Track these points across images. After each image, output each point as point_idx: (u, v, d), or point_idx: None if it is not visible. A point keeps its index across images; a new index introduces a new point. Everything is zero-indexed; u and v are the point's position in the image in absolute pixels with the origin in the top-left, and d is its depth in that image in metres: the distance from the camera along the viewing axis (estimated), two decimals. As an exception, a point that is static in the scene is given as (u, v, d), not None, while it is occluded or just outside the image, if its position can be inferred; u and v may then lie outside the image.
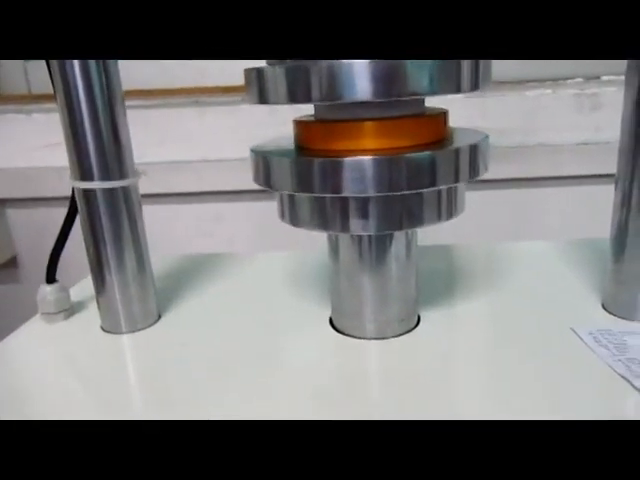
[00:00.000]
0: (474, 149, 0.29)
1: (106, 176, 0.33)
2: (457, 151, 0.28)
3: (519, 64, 0.70)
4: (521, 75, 0.70)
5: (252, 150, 0.31)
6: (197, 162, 0.69)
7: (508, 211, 0.71)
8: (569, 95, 0.68)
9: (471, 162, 0.29)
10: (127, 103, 0.34)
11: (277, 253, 0.49)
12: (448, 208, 0.31)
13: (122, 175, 0.34)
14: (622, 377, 0.28)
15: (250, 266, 0.47)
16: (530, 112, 0.69)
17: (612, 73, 0.68)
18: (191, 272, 0.46)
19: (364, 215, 0.29)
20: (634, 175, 0.32)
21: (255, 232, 0.73)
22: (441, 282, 0.41)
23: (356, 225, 0.30)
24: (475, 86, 0.28)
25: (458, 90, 0.27)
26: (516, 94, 0.68)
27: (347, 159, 0.27)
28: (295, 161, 0.28)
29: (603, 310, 0.35)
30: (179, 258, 0.49)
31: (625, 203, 0.32)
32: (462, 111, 0.70)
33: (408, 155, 0.27)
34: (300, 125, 0.31)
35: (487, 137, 0.30)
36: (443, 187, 0.29)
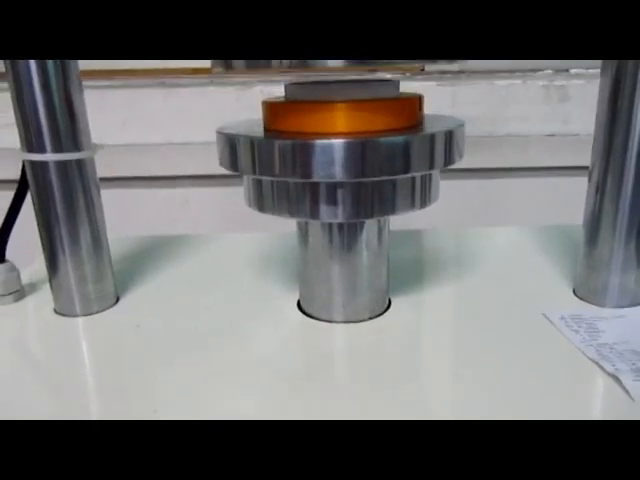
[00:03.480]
0: (450, 135, 0.28)
1: (59, 148, 0.31)
2: (432, 137, 0.27)
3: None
4: (492, 65, 0.70)
5: (218, 131, 0.29)
6: (162, 145, 0.67)
7: (475, 200, 0.71)
8: (538, 86, 0.69)
9: (446, 149, 0.28)
10: (89, 83, 0.32)
11: (244, 234, 0.47)
12: (422, 196, 0.30)
13: (77, 147, 0.32)
14: (593, 361, 0.27)
15: (214, 248, 0.45)
16: (499, 102, 0.69)
17: (581, 66, 0.69)
18: (153, 253, 0.44)
19: (334, 202, 0.28)
20: (608, 162, 0.32)
21: (222, 218, 0.71)
22: (412, 267, 0.40)
23: (326, 212, 0.28)
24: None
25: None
26: (486, 83, 0.68)
27: (317, 141, 0.26)
28: (262, 142, 0.27)
29: (574, 296, 0.35)
30: (141, 239, 0.47)
31: (600, 188, 0.32)
32: (432, 99, 0.70)
33: (382, 139, 0.26)
34: (268, 106, 0.30)
35: (463, 124, 0.30)
36: (417, 174, 0.28)
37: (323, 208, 0.28)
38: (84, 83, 0.32)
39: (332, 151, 0.26)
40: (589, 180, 0.33)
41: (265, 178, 0.28)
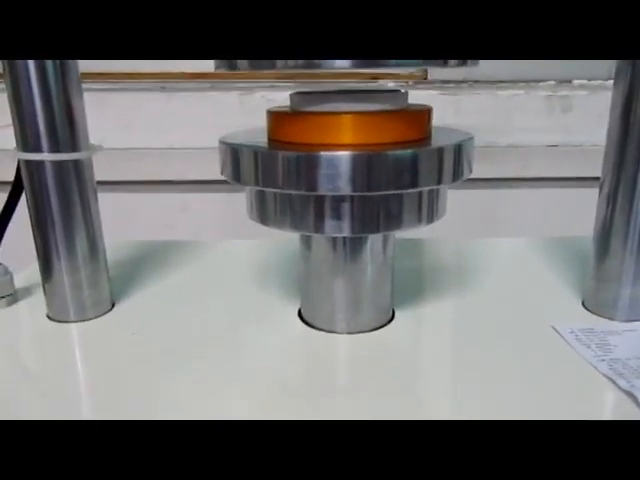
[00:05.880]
0: (458, 149, 0.27)
1: (56, 147, 0.30)
2: (441, 151, 0.26)
3: (493, 64, 0.70)
4: (495, 75, 0.70)
5: (221, 141, 0.28)
6: (162, 149, 0.66)
7: (477, 211, 0.71)
8: (541, 97, 0.68)
9: (455, 163, 0.27)
10: (90, 86, 0.31)
11: (244, 241, 0.46)
12: (429, 211, 0.29)
13: (74, 147, 0.31)
14: (606, 377, 0.26)
15: (214, 254, 0.44)
16: (502, 112, 0.68)
17: (584, 77, 0.68)
18: (151, 259, 0.43)
19: (339, 216, 0.27)
20: (620, 175, 0.31)
21: (222, 224, 0.70)
22: (415, 277, 0.39)
23: (330, 226, 0.27)
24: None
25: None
26: (489, 93, 0.68)
27: (322, 154, 0.25)
28: (266, 154, 0.26)
29: (583, 308, 0.34)
30: (138, 244, 0.46)
31: (611, 200, 0.32)
32: (435, 108, 0.69)
33: (389, 152, 0.25)
34: (273, 116, 0.29)
35: (472, 138, 0.29)
36: (425, 189, 0.27)
37: (328, 222, 0.27)
38: (85, 86, 0.31)
39: (338, 164, 0.25)
40: (600, 193, 0.33)
41: (268, 190, 0.27)
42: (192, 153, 0.66)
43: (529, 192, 0.70)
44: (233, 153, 0.27)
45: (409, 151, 0.25)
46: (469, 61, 0.26)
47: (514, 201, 0.71)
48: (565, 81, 0.70)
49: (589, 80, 0.67)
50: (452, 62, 0.25)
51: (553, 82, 0.70)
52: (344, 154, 0.25)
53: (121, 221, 0.64)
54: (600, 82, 0.66)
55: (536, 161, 0.68)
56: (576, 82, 0.70)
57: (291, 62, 0.24)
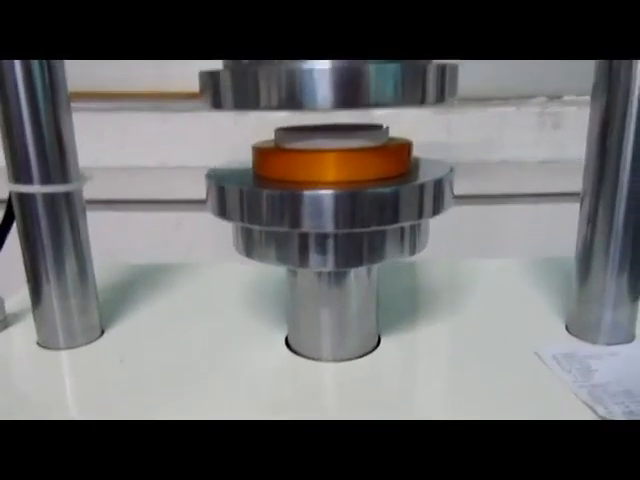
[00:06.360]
0: (439, 184, 0.28)
1: (47, 179, 0.31)
2: (421, 187, 0.27)
3: (484, 82, 0.71)
4: (485, 93, 0.70)
5: (207, 177, 0.29)
6: (156, 168, 0.67)
7: (470, 227, 0.71)
8: (532, 113, 0.69)
9: (435, 197, 0.28)
10: (87, 105, 0.32)
11: (234, 264, 0.47)
12: (411, 244, 0.29)
13: (65, 179, 0.31)
14: (585, 404, 0.27)
15: (203, 278, 0.45)
16: (494, 129, 0.69)
17: (574, 93, 0.69)
18: (140, 283, 0.43)
19: (323, 251, 0.28)
20: (599, 193, 0.31)
21: (216, 242, 0.70)
22: (402, 300, 0.40)
23: (314, 261, 0.28)
24: (440, 99, 0.27)
25: (423, 102, 0.26)
26: (480, 111, 0.68)
27: (305, 192, 0.25)
28: (250, 192, 0.26)
29: (566, 332, 0.34)
30: (128, 268, 0.46)
31: (590, 221, 0.32)
32: (428, 126, 0.70)
33: (370, 191, 0.26)
34: (258, 152, 0.29)
35: (452, 170, 0.29)
36: (406, 224, 0.28)
37: (312, 257, 0.28)
38: (82, 105, 0.32)
39: (321, 202, 0.25)
40: (580, 209, 0.33)
41: (254, 227, 0.28)
42: (187, 172, 0.67)
43: (522, 208, 0.71)
44: (219, 190, 0.28)
45: (389, 189, 0.26)
46: (447, 99, 0.27)
47: (507, 217, 0.71)
48: (555, 97, 0.71)
49: (578, 96, 0.68)
50: (429, 101, 0.26)
51: (544, 98, 0.71)
52: (327, 193, 0.25)
53: (116, 239, 0.64)
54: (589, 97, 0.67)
55: (528, 177, 0.69)
56: (566, 98, 0.71)
57: (274, 103, 0.24)
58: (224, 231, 0.31)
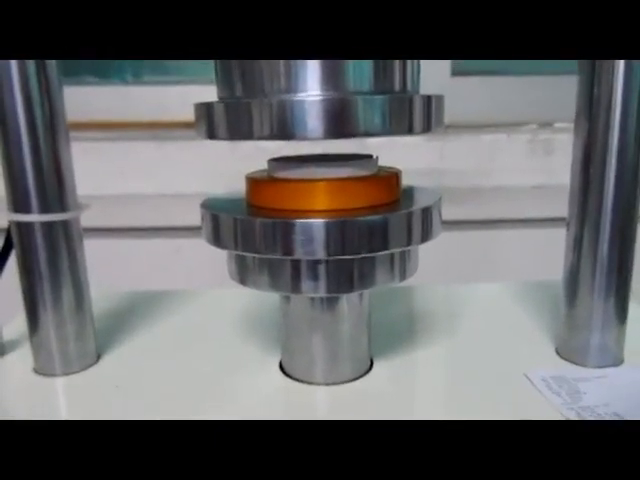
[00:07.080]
0: (427, 212, 0.29)
1: (45, 209, 0.31)
2: (410, 215, 0.28)
3: (476, 109, 0.72)
4: (478, 120, 0.72)
5: (202, 206, 0.30)
6: (154, 196, 0.68)
7: (463, 253, 0.72)
8: (523, 140, 0.70)
9: (424, 225, 0.29)
10: (86, 135, 0.33)
11: (229, 290, 0.47)
12: (401, 270, 0.30)
13: (63, 208, 0.32)
14: (574, 426, 0.27)
15: (199, 305, 0.45)
16: (486, 155, 0.70)
17: (565, 120, 0.71)
18: (136, 310, 0.43)
19: (315, 277, 0.28)
20: (585, 219, 0.32)
21: (216, 269, 0.71)
22: (393, 325, 0.40)
23: (306, 287, 0.29)
24: (427, 128, 0.28)
25: (410, 131, 0.27)
26: (473, 138, 0.70)
27: (298, 221, 0.26)
28: (244, 221, 0.27)
29: (557, 355, 0.35)
30: (124, 295, 0.47)
31: (576, 247, 0.33)
32: (421, 153, 0.71)
33: (360, 219, 0.27)
34: (251, 182, 0.30)
35: (440, 198, 0.30)
36: (396, 250, 0.29)
37: (304, 283, 0.29)
38: (82, 135, 0.33)
39: (312, 230, 0.26)
40: (566, 235, 0.33)
41: (247, 255, 0.29)
42: (184, 199, 0.68)
43: (514, 233, 0.72)
44: (213, 219, 0.29)
45: (379, 217, 0.27)
46: (433, 128, 0.28)
47: (500, 243, 0.72)
48: (546, 124, 0.73)
49: (569, 123, 0.70)
50: (417, 130, 0.27)
51: (535, 125, 0.73)
52: (318, 221, 0.26)
53: (116, 266, 0.65)
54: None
55: (520, 202, 0.70)
56: (557, 125, 0.73)
57: (266, 134, 0.25)
58: (223, 257, 0.32)
